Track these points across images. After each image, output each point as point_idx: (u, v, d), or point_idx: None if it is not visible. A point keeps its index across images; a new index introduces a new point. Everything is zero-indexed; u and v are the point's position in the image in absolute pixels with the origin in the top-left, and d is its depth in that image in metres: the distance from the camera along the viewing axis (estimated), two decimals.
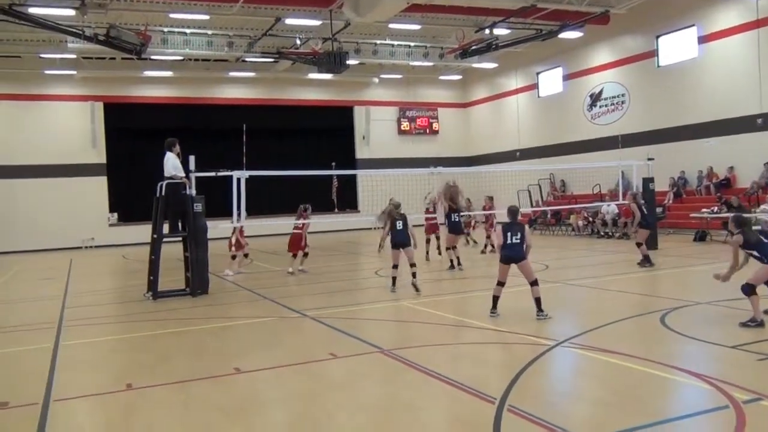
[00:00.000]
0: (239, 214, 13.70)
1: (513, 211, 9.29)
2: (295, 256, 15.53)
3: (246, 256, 16.85)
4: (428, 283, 13.60)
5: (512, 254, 8.91)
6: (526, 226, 9.26)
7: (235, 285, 14.03)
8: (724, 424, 4.62)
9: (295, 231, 15.54)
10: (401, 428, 5.04)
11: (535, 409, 5.12)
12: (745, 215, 9.72)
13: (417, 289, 11.46)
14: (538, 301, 8.82)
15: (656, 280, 12.91)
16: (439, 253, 17.33)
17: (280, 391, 6.17)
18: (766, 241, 8.05)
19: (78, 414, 5.82)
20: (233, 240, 16.03)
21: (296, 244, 15.41)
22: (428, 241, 17.64)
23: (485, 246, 18.70)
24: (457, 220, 15.43)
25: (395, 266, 11.90)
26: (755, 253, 8.04)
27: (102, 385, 6.60)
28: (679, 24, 24.43)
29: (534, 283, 8.92)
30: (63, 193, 29.58)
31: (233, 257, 15.89)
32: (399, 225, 11.91)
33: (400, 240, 11.86)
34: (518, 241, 8.91)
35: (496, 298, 9.09)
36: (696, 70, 23.83)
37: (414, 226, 12.29)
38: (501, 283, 9.10)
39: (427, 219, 18.10)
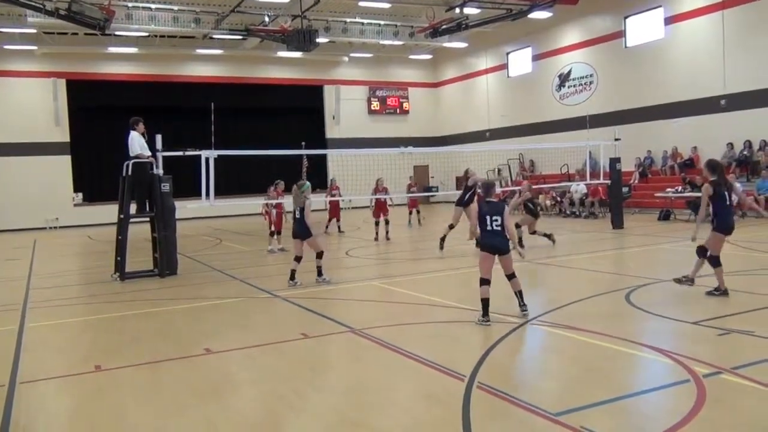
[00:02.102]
0: (208, 194, 13.55)
1: (487, 186, 7.98)
2: (272, 234, 15.77)
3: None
4: (399, 262, 13.69)
5: (496, 243, 7.54)
6: (505, 207, 7.73)
7: (204, 266, 13.92)
8: (685, 397, 4.77)
9: (277, 210, 15.80)
10: (372, 407, 5.10)
11: (504, 386, 5.22)
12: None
13: (324, 281, 10.70)
14: (520, 294, 7.72)
15: (621, 259, 13.17)
16: (388, 238, 17.41)
17: (252, 371, 6.17)
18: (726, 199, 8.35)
19: (45, 396, 5.75)
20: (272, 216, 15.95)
21: (276, 221, 15.77)
22: (377, 223, 17.68)
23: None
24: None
25: (296, 258, 10.71)
26: (711, 207, 8.31)
27: (69, 367, 6.53)
28: (646, 5, 24.71)
29: (512, 275, 7.70)
30: (26, 173, 28.90)
31: (271, 234, 15.87)
32: (298, 213, 10.61)
33: (294, 230, 10.73)
34: (499, 227, 7.53)
35: (485, 302, 7.36)
36: (662, 51, 24.16)
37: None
38: (486, 281, 7.46)
39: (378, 200, 17.90)
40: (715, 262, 8.29)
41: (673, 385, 5.17)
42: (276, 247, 15.72)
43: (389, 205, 18.12)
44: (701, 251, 8.48)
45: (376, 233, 17.55)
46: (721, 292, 8.20)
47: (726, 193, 8.34)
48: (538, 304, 8.61)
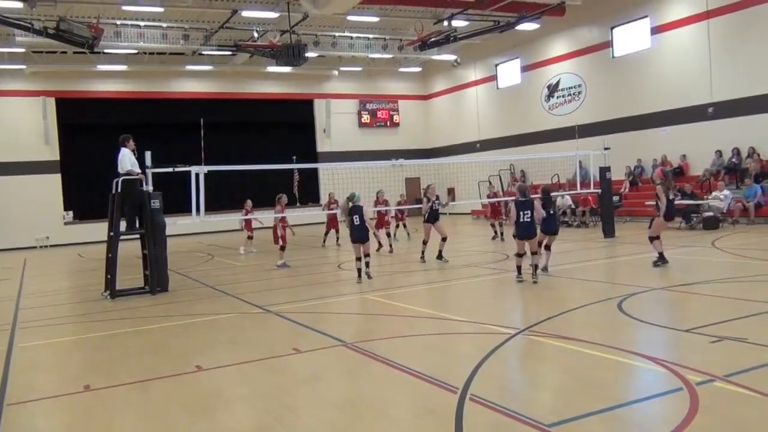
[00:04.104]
0: (198, 210, 13.50)
1: (523, 190, 10.77)
2: (283, 248, 15.51)
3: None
4: (390, 275, 13.67)
5: (526, 233, 10.49)
6: (535, 202, 10.71)
7: (196, 282, 13.85)
8: (678, 406, 4.75)
9: (282, 224, 15.63)
10: (366, 421, 5.06)
11: (497, 397, 5.19)
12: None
13: (369, 276, 12.22)
14: (536, 267, 10.68)
15: (613, 267, 13.18)
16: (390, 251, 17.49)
17: (244, 387, 6.11)
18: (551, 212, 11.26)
19: (34, 417, 5.68)
20: (279, 233, 15.71)
21: (275, 235, 15.57)
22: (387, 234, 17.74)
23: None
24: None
25: (359, 259, 12.24)
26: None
27: (59, 387, 6.46)
28: (633, 15, 24.95)
29: (535, 252, 10.65)
30: (15, 191, 28.75)
31: (282, 248, 15.61)
32: (356, 220, 12.07)
33: (358, 236, 12.13)
34: (529, 219, 10.36)
35: (519, 268, 10.63)
36: (649, 61, 24.37)
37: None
38: (520, 255, 10.60)
39: (380, 213, 18.17)
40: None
41: (666, 394, 5.15)
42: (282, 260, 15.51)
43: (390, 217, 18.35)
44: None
45: (383, 244, 17.62)
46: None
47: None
48: (530, 314, 8.61)
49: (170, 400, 5.80)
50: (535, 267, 10.66)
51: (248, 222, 19.94)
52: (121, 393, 6.09)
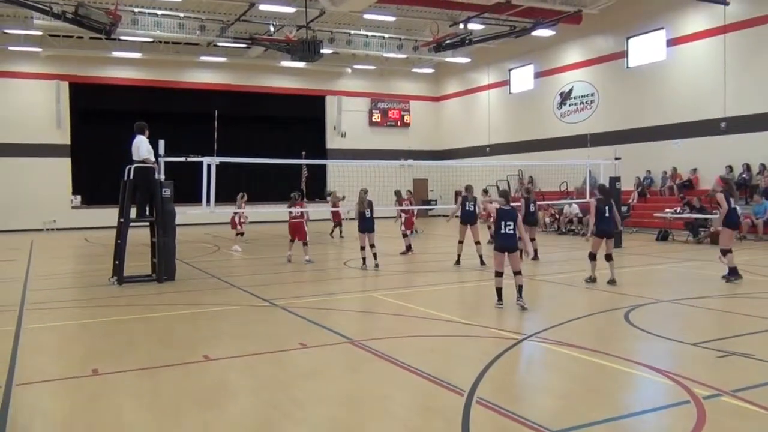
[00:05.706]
0: (209, 201, 13.52)
1: (504, 194, 9.71)
2: (306, 243, 15.46)
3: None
4: (398, 275, 13.68)
5: (506, 244, 9.18)
6: (518, 215, 9.47)
7: (202, 272, 13.89)
8: (685, 419, 4.76)
9: (295, 220, 15.50)
10: (370, 418, 5.08)
11: (503, 401, 5.21)
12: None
13: (377, 266, 13.62)
14: (520, 288, 9.18)
15: (620, 278, 13.15)
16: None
17: (250, 379, 6.15)
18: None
19: (42, 399, 5.72)
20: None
21: (302, 231, 15.37)
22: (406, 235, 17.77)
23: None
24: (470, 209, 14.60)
25: (363, 248, 13.92)
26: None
27: (67, 370, 6.51)
28: (649, 26, 24.89)
29: (518, 272, 9.25)
30: (24, 173, 28.87)
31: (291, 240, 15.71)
32: (367, 213, 13.80)
33: (368, 227, 13.77)
34: (512, 231, 9.16)
35: (499, 290, 9.27)
36: (664, 73, 24.31)
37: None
38: (499, 274, 9.27)
39: (407, 212, 18.35)
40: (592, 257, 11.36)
41: (672, 406, 5.16)
42: (304, 254, 15.43)
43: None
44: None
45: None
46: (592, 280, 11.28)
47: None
48: (537, 321, 8.61)
49: (178, 388, 5.84)
50: (520, 288, 9.19)
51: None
52: (128, 379, 6.14)
